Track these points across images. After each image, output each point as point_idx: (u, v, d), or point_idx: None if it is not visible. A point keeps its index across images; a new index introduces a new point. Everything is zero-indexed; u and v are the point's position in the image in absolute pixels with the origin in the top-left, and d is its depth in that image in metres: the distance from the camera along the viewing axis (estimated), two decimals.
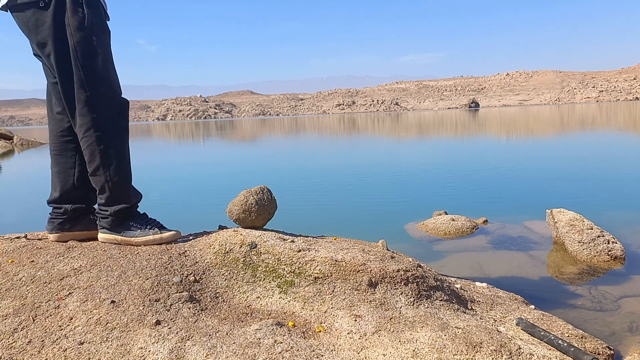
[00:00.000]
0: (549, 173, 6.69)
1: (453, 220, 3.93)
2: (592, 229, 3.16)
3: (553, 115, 33.25)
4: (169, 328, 1.51)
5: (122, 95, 2.02)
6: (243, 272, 1.85)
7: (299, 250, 1.92)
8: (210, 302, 1.70)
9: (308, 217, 4.69)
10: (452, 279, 2.32)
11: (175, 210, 5.31)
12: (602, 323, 2.17)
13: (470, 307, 1.92)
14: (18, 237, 2.14)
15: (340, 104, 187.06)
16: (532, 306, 2.11)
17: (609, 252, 3.00)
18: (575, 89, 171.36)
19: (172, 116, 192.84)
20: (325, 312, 1.69)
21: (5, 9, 1.94)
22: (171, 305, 1.61)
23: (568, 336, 1.77)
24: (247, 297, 1.76)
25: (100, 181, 1.97)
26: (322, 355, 1.45)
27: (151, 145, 19.85)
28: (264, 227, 2.20)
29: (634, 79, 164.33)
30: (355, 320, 1.63)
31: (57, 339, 1.43)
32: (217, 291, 1.76)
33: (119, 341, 1.44)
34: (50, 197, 2.09)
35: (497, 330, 1.66)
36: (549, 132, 16.28)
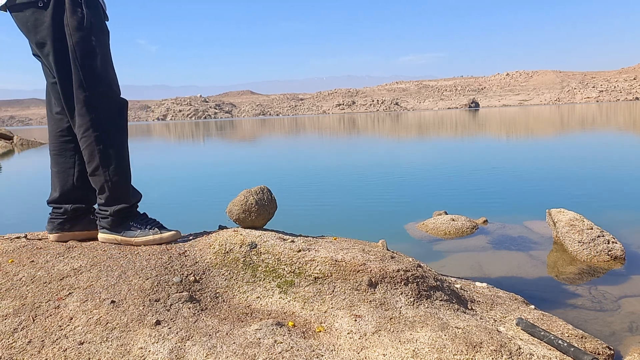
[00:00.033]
0: (549, 173, 6.69)
1: (453, 220, 3.92)
2: (592, 229, 3.16)
3: (553, 115, 33.25)
4: (169, 328, 1.51)
5: (122, 95, 2.03)
6: (243, 272, 1.85)
7: (299, 250, 1.92)
8: (210, 302, 1.69)
9: (308, 217, 4.69)
10: (452, 279, 2.31)
11: (175, 210, 5.31)
12: (602, 323, 2.17)
13: (470, 307, 1.92)
14: (18, 237, 2.14)
15: (340, 104, 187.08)
16: (532, 306, 2.11)
17: (609, 252, 3.00)
18: (575, 89, 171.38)
19: (172, 116, 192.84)
20: (325, 312, 1.69)
21: (5, 9, 1.93)
22: (171, 305, 1.61)
23: (568, 336, 1.76)
24: (247, 297, 1.76)
25: (99, 181, 1.97)
26: (322, 355, 1.45)
27: (151, 145, 19.85)
28: (264, 227, 2.20)
29: (634, 79, 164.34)
30: (355, 320, 1.63)
31: (57, 339, 1.43)
32: (217, 291, 1.76)
33: (119, 341, 1.44)
34: (50, 197, 2.09)
35: (497, 330, 1.66)
36: (549, 132, 16.28)
